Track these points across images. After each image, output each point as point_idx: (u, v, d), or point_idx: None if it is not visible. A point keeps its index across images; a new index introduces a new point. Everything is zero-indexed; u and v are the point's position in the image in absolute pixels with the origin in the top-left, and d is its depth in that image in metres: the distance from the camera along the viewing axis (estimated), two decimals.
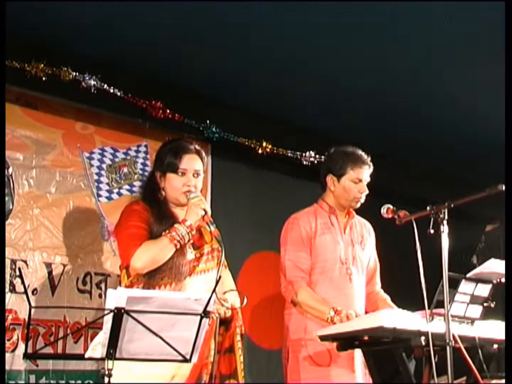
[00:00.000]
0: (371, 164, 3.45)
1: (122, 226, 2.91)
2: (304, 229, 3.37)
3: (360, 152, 3.46)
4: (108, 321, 2.25)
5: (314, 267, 3.35)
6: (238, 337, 2.94)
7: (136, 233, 2.84)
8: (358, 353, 3.26)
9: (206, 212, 2.87)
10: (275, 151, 4.76)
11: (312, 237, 3.37)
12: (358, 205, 3.44)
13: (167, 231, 2.82)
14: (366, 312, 3.40)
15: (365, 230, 3.55)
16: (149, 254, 2.78)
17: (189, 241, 2.87)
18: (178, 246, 2.82)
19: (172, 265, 2.86)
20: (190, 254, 2.93)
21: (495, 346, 3.00)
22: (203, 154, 3.08)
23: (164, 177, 2.99)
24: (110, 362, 2.30)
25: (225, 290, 2.96)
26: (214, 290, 2.37)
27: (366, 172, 3.43)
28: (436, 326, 2.76)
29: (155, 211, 2.92)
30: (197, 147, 3.07)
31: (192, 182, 2.97)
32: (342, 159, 3.42)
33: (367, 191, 3.42)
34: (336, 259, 3.36)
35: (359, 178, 3.40)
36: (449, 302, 2.74)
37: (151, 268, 2.79)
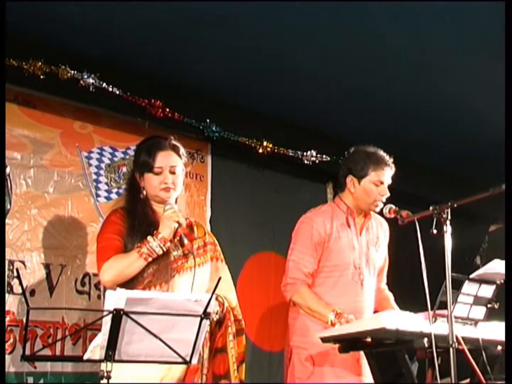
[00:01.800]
0: (393, 165, 3.41)
1: (98, 238, 2.96)
2: (317, 232, 3.34)
3: (382, 152, 3.41)
4: (107, 322, 2.25)
5: (321, 271, 3.34)
6: (231, 337, 2.93)
7: (106, 246, 2.87)
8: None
9: (180, 225, 2.86)
10: (276, 151, 4.76)
11: (326, 240, 3.34)
12: (378, 209, 3.40)
13: (137, 245, 2.81)
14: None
15: (381, 230, 3.52)
16: (116, 269, 2.80)
17: (163, 253, 2.85)
18: (150, 259, 2.80)
19: (156, 266, 2.86)
20: (176, 251, 2.92)
21: (499, 348, 3.00)
22: (181, 149, 3.05)
23: (143, 177, 2.99)
24: (109, 364, 2.29)
25: (221, 289, 2.94)
26: (214, 291, 2.36)
27: (388, 174, 3.38)
28: (439, 327, 2.76)
29: (134, 215, 2.92)
30: (173, 142, 3.04)
31: (169, 179, 2.95)
32: (364, 160, 3.38)
33: (388, 194, 3.38)
34: (350, 264, 3.34)
35: (380, 180, 3.36)
36: (452, 303, 2.75)
37: (119, 282, 2.78)
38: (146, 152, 2.99)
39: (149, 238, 2.82)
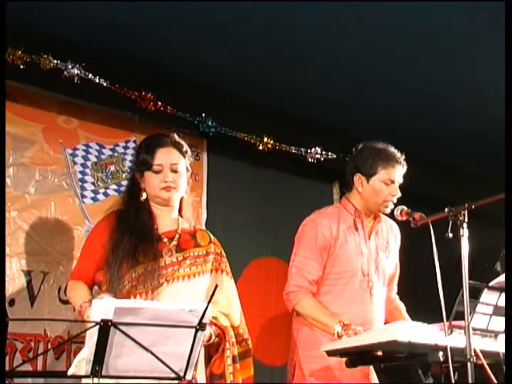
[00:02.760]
0: (404, 163, 3.41)
1: (83, 244, 3.11)
2: (322, 236, 3.34)
3: (392, 149, 3.42)
4: (93, 334, 2.25)
5: (327, 278, 3.34)
6: (229, 361, 2.92)
7: (80, 263, 3.04)
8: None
9: None
10: (277, 147, 4.76)
11: (332, 245, 3.34)
12: (388, 210, 3.40)
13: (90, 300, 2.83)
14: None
15: (391, 234, 3.53)
16: (69, 295, 3.03)
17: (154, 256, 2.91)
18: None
19: (142, 271, 2.86)
20: (168, 258, 2.93)
21: None
22: (184, 146, 3.08)
23: (143, 177, 3.02)
24: (96, 380, 2.29)
25: (221, 304, 2.95)
26: (210, 300, 2.36)
27: (399, 172, 3.38)
28: (456, 340, 2.76)
29: (127, 222, 2.95)
30: (175, 138, 3.07)
31: (169, 177, 2.97)
32: (373, 157, 3.38)
33: (399, 194, 3.38)
34: (357, 271, 3.34)
35: (391, 179, 3.36)
36: (470, 314, 2.74)
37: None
38: (145, 150, 3.02)
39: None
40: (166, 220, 3.06)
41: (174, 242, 2.96)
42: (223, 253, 3.17)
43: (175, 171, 2.99)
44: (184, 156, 3.06)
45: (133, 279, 2.84)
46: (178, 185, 3.00)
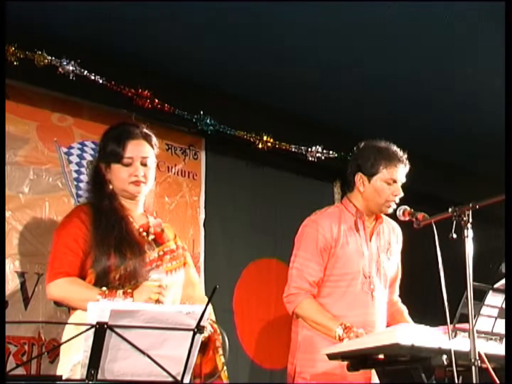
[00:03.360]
0: (407, 162, 3.41)
1: (55, 238, 2.90)
2: (322, 237, 3.34)
3: (395, 148, 3.42)
4: (89, 337, 2.24)
5: (328, 280, 3.34)
6: (222, 359, 2.90)
7: (60, 258, 2.83)
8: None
9: (157, 301, 2.78)
10: (277, 146, 4.76)
11: (333, 246, 3.34)
12: (390, 210, 3.40)
13: (103, 290, 2.74)
14: None
15: (393, 236, 3.53)
16: (68, 293, 2.79)
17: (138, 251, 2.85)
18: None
19: (129, 268, 2.81)
20: (152, 252, 2.90)
21: None
22: (153, 137, 3.04)
23: (109, 168, 2.96)
24: None
25: (189, 295, 2.92)
26: (208, 302, 2.36)
27: (401, 171, 3.38)
28: (460, 343, 2.76)
29: (101, 213, 2.89)
30: (145, 130, 3.03)
31: (140, 172, 2.93)
32: (374, 156, 3.38)
33: (401, 194, 3.38)
34: (359, 273, 3.34)
35: (393, 179, 3.36)
36: (475, 316, 2.74)
37: (62, 303, 2.84)
38: (114, 141, 2.95)
39: (119, 291, 2.76)
40: (135, 214, 3.02)
41: (152, 236, 2.93)
42: (185, 246, 3.16)
43: (145, 165, 2.95)
44: (153, 149, 3.02)
45: (121, 276, 2.81)
46: (148, 179, 2.97)
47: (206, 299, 2.90)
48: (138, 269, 2.82)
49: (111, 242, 2.83)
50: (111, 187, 2.97)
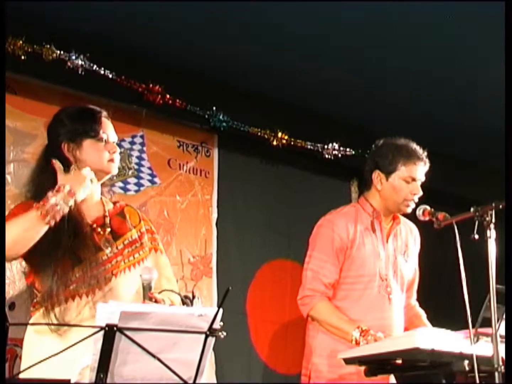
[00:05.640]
0: (427, 160, 3.39)
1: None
2: (338, 237, 3.33)
3: (414, 145, 3.40)
4: (98, 340, 2.24)
5: (344, 282, 3.33)
6: None
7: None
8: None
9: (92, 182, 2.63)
10: (292, 143, 4.76)
11: (348, 247, 3.33)
12: (409, 210, 3.38)
13: (36, 203, 2.54)
14: None
15: (410, 237, 3.51)
16: (11, 234, 2.51)
17: (92, 251, 2.67)
18: (52, 223, 2.54)
19: (84, 269, 2.68)
20: (108, 249, 2.75)
21: None
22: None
23: (77, 147, 2.73)
24: None
25: (162, 288, 2.75)
26: (221, 304, 2.35)
27: (420, 169, 3.36)
28: (482, 348, 2.75)
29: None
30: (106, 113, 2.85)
31: (116, 148, 2.76)
32: (393, 153, 3.36)
33: (420, 193, 3.35)
34: (375, 275, 3.33)
35: (412, 177, 3.35)
36: (498, 320, 2.72)
37: (17, 252, 2.56)
38: (85, 117, 2.78)
39: (50, 193, 2.55)
40: (89, 204, 2.79)
41: (108, 229, 2.78)
42: (153, 228, 2.96)
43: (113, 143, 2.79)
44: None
45: (78, 279, 2.67)
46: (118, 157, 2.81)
47: (175, 287, 2.82)
48: (93, 270, 2.68)
49: (63, 244, 2.63)
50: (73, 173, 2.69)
